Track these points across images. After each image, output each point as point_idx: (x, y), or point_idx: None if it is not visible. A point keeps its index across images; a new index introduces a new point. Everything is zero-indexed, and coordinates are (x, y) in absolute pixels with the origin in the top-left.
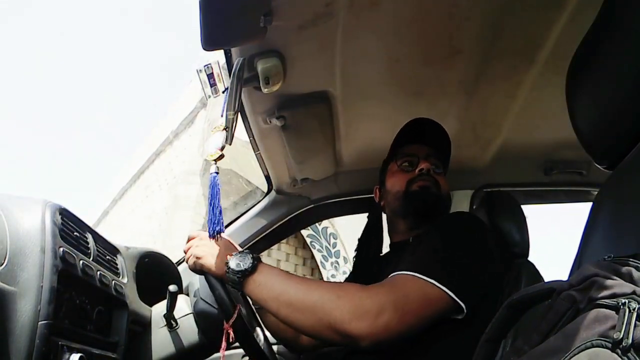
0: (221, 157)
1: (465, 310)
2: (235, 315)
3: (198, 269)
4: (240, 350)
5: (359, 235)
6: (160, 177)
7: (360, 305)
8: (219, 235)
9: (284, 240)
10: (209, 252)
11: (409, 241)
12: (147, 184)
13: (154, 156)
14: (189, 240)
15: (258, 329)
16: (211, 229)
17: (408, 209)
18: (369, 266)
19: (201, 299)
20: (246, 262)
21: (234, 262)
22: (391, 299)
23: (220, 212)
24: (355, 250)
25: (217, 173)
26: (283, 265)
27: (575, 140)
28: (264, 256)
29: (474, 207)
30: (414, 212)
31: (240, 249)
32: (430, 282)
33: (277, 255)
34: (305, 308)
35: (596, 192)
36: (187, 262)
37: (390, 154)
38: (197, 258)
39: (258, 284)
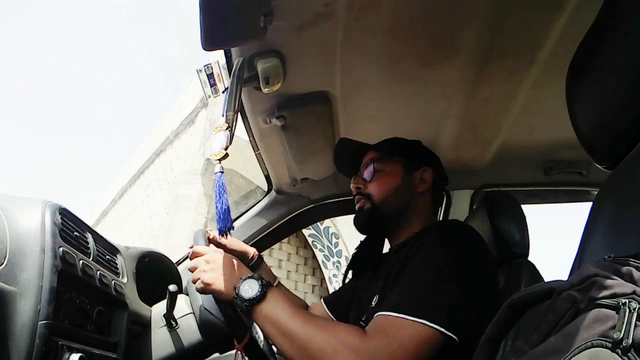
0: (225, 156)
1: (457, 340)
2: (247, 337)
3: (207, 293)
4: None
5: (360, 235)
6: (160, 177)
7: None
8: (229, 232)
9: (285, 240)
10: (217, 277)
11: (391, 252)
12: (148, 184)
13: (154, 156)
14: (193, 255)
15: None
16: (220, 226)
17: (359, 230)
18: (366, 266)
19: (205, 309)
20: (255, 289)
21: (243, 289)
22: (387, 355)
23: (228, 209)
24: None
25: (222, 172)
26: (285, 265)
27: (575, 140)
28: (265, 256)
29: (474, 206)
30: (365, 233)
31: (249, 272)
32: (422, 323)
33: (279, 255)
34: (305, 354)
35: (596, 192)
36: (193, 283)
37: None
38: (206, 284)
39: (264, 315)
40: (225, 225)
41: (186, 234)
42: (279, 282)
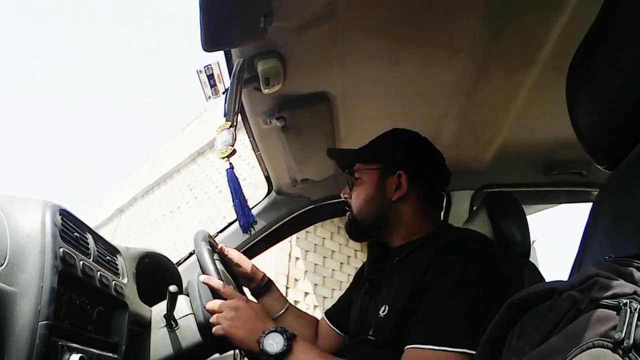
0: (233, 152)
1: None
2: None
3: (227, 341)
4: None
5: None
6: (205, 178)
7: None
8: (252, 227)
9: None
10: (240, 327)
11: (392, 259)
12: (191, 185)
13: (197, 155)
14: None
15: None
16: (242, 222)
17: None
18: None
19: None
20: (280, 344)
21: (267, 343)
22: None
23: (246, 204)
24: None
25: (232, 168)
26: (328, 244)
27: (575, 140)
28: (310, 233)
29: (474, 207)
30: (360, 241)
31: (272, 325)
32: (450, 351)
33: (322, 232)
34: None
35: (596, 193)
36: (212, 326)
37: None
38: (228, 333)
39: None
40: (247, 220)
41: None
42: (289, 305)
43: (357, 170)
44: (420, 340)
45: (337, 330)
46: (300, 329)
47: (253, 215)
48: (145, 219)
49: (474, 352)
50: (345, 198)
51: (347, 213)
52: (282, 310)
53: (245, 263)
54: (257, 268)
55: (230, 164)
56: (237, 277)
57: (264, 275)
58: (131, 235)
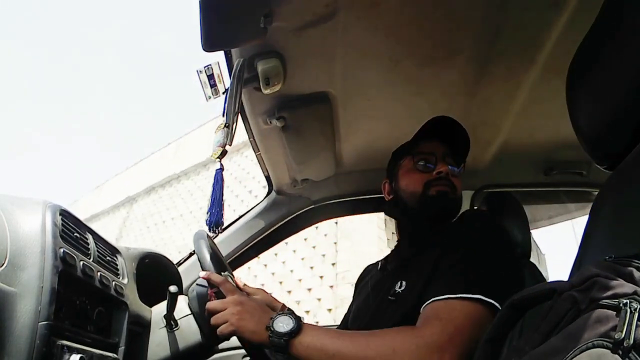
0: (224, 153)
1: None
2: None
3: (237, 335)
4: (242, 351)
5: None
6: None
7: (419, 356)
8: (219, 229)
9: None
10: (248, 318)
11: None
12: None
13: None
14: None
15: None
16: (210, 219)
17: (424, 213)
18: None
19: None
20: (289, 323)
21: (278, 326)
22: (446, 339)
23: (222, 206)
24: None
25: (222, 169)
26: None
27: (575, 140)
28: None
29: (475, 207)
30: (430, 217)
31: (274, 312)
32: (468, 298)
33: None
34: None
35: (596, 193)
36: (218, 326)
37: (406, 148)
38: (237, 326)
39: (306, 345)
40: (216, 220)
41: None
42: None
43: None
44: (435, 294)
45: None
46: None
47: (223, 217)
48: (167, 211)
49: (490, 301)
50: (448, 175)
51: (446, 189)
52: None
53: (262, 294)
54: (274, 298)
55: (221, 164)
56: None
57: (283, 305)
58: (151, 228)
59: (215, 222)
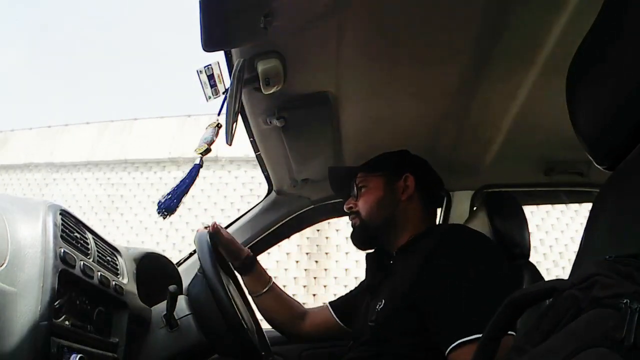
0: (207, 150)
1: None
2: None
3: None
4: None
5: None
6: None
7: None
8: (168, 214)
9: None
10: None
11: (393, 255)
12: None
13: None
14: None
15: None
16: (163, 204)
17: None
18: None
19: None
20: None
21: None
22: None
23: (181, 197)
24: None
25: (201, 166)
26: None
27: (575, 140)
28: None
29: (474, 207)
30: (363, 248)
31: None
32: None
33: None
34: None
35: (596, 193)
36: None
37: None
38: None
39: None
40: (170, 206)
41: None
42: (273, 283)
43: (361, 179)
44: (446, 336)
45: (339, 321)
46: (280, 310)
47: (177, 206)
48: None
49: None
50: (350, 209)
51: (353, 221)
52: (265, 290)
53: (233, 242)
54: (242, 246)
55: (202, 160)
56: (230, 267)
57: (249, 253)
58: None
59: (166, 207)
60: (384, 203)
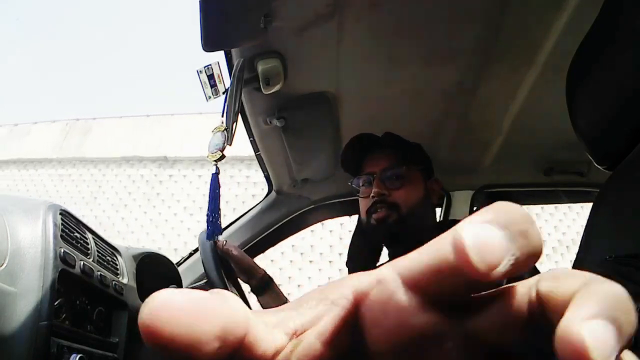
0: (222, 157)
1: None
2: None
3: None
4: None
5: None
6: None
7: None
8: (216, 238)
9: None
10: None
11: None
12: None
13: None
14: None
15: None
16: (209, 230)
17: (373, 243)
18: None
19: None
20: None
21: None
22: None
23: (219, 213)
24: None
25: (218, 173)
26: None
27: (575, 140)
28: None
29: (474, 208)
30: (381, 245)
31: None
32: None
33: None
34: None
35: (596, 193)
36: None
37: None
38: None
39: None
40: (214, 231)
41: None
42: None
43: (403, 166)
44: None
45: None
46: None
47: (221, 227)
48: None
49: None
50: (382, 196)
51: (385, 213)
52: None
53: (246, 259)
54: (257, 264)
55: (217, 168)
56: (237, 277)
57: (265, 272)
58: None
59: (212, 232)
60: (426, 203)
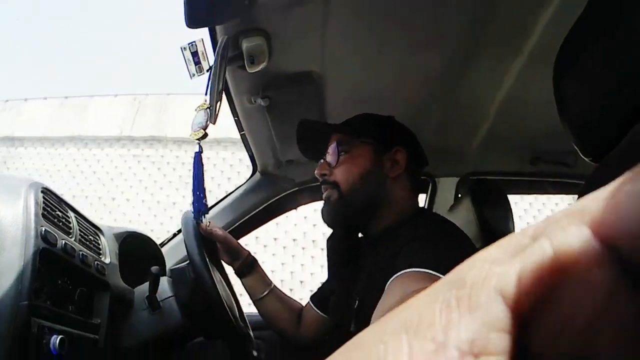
0: (204, 136)
1: None
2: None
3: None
4: None
5: None
6: None
7: None
8: (203, 216)
9: None
10: None
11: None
12: None
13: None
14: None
15: None
16: (195, 208)
17: (329, 226)
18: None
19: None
20: None
21: None
22: None
23: (204, 192)
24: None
25: (201, 152)
26: None
27: (561, 131)
28: None
29: (459, 194)
30: (337, 228)
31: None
32: (424, 272)
33: None
34: None
35: (581, 185)
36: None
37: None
38: None
39: None
40: (200, 208)
41: None
42: (274, 286)
43: (343, 142)
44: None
45: (324, 315)
46: (281, 314)
47: (207, 205)
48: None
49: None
50: (323, 177)
51: (327, 192)
52: (265, 292)
53: (230, 241)
54: (241, 246)
55: (200, 147)
56: (220, 259)
57: (249, 254)
58: None
59: (199, 210)
60: (369, 177)
